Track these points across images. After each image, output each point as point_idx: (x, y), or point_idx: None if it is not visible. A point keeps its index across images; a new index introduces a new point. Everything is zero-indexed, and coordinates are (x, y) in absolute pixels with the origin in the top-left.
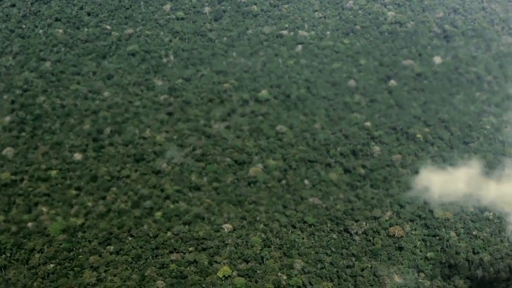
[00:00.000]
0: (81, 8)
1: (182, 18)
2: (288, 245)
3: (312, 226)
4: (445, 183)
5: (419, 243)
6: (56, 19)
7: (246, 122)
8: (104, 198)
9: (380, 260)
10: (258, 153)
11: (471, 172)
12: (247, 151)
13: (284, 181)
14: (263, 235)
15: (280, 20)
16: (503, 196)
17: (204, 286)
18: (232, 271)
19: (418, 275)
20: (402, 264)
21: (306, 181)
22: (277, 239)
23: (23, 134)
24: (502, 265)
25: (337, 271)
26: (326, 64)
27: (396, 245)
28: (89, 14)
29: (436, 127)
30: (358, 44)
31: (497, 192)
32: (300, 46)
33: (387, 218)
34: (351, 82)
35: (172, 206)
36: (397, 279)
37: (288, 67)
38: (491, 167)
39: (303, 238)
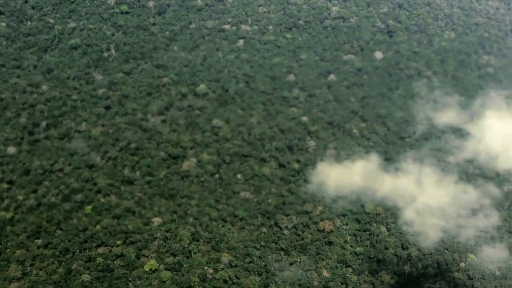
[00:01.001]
0: (26, 1)
1: (127, 12)
2: (217, 239)
3: (243, 220)
4: (342, 177)
5: (349, 238)
6: (0, 13)
7: (183, 116)
8: (35, 191)
9: (308, 255)
10: (192, 148)
11: (370, 166)
12: (182, 145)
13: (217, 176)
14: (192, 229)
15: (223, 15)
16: (397, 190)
17: (130, 279)
18: (159, 265)
19: (346, 270)
20: (331, 258)
21: (239, 176)
22: (207, 233)
23: None
24: (430, 261)
25: (265, 265)
26: (267, 58)
27: (326, 239)
28: (33, 7)
29: (373, 122)
30: (301, 38)
31: (392, 186)
32: (241, 41)
33: (318, 213)
34: (291, 77)
35: (103, 200)
36: (326, 273)
37: (229, 61)
38: (389, 161)
39: (233, 232)
